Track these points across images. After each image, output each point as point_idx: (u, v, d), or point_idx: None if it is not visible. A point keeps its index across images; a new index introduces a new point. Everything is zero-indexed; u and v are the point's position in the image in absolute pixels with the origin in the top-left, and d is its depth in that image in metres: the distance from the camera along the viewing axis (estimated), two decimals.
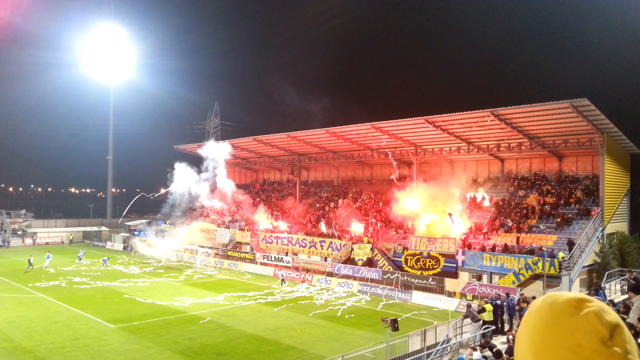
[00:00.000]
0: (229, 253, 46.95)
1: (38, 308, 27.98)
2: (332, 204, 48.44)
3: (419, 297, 31.58)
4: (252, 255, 44.78)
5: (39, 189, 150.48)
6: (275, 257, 43.23)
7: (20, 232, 63.78)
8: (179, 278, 39.19)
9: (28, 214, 72.78)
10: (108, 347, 21.09)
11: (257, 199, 55.60)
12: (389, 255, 36.34)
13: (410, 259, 34.88)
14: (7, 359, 19.36)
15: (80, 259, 46.27)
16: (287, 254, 43.05)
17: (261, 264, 43.32)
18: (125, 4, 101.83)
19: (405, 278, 33.61)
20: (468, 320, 19.98)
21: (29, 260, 41.41)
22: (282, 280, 37.24)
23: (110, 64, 69.01)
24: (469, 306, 20.73)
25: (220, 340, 22.40)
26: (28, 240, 62.23)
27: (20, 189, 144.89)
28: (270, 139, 49.48)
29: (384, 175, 48.96)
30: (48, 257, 42.47)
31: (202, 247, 46.38)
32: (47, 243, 62.08)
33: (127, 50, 69.68)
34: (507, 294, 24.73)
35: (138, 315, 26.78)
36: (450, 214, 36.58)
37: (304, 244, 42.58)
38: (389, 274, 34.51)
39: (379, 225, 40.80)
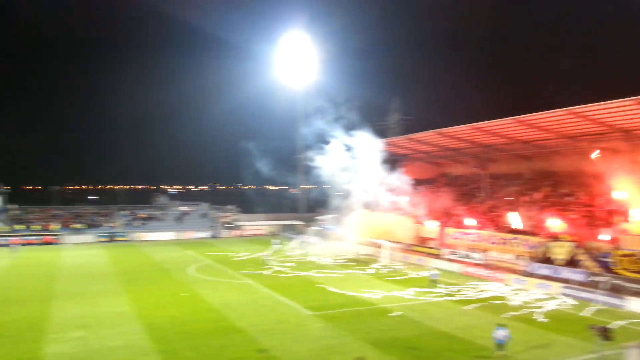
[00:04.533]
0: (416, 248, 46.94)
1: (247, 293, 31.66)
2: (524, 198, 45.03)
3: (634, 304, 27.51)
4: (439, 250, 44.02)
5: (241, 186, 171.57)
6: (463, 253, 41.84)
7: (230, 225, 73.32)
8: (367, 271, 40.58)
9: (235, 208, 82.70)
10: (307, 332, 22.82)
11: (442, 194, 54.43)
12: (595, 255, 32.36)
13: (624, 260, 30.53)
14: (224, 335, 22.25)
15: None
16: (475, 251, 41.36)
17: (448, 260, 42.36)
18: (307, 12, 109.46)
19: (618, 282, 29.53)
20: None
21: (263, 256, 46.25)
22: (434, 281, 34.05)
23: (297, 70, 74.23)
24: None
25: (410, 335, 22.52)
26: (236, 232, 71.22)
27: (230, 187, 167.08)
28: (453, 131, 47.99)
29: (582, 165, 43.68)
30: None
31: (390, 241, 47.21)
32: (253, 235, 70.33)
33: (311, 55, 74.08)
34: None
35: (332, 304, 28.44)
36: None
37: (494, 241, 40.45)
38: (595, 276, 30.73)
39: (581, 221, 36.62)
